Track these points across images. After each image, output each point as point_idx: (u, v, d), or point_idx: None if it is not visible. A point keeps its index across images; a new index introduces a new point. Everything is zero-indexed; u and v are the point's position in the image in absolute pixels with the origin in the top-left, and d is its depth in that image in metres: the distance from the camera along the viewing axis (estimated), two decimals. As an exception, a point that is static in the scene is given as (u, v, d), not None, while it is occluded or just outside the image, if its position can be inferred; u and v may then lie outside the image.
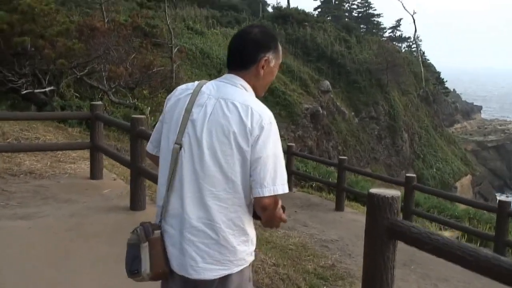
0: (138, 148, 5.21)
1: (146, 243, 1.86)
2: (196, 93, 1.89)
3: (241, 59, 1.91)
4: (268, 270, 4.50)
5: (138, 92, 14.82)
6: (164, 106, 2.00)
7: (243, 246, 1.88)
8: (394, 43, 48.48)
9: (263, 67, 1.91)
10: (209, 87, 1.90)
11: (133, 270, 1.88)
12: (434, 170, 34.69)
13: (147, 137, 5.12)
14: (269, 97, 28.45)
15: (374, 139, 32.16)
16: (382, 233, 2.04)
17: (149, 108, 13.90)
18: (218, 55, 27.46)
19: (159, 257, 1.86)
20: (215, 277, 1.84)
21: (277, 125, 1.88)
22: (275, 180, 1.79)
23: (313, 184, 10.81)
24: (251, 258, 1.94)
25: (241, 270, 1.89)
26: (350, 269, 5.51)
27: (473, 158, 44.15)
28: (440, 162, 35.88)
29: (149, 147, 2.10)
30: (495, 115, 71.48)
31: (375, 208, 2.05)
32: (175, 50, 18.50)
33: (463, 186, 36.64)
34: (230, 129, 1.78)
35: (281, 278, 4.41)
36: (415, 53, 46.13)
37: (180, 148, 1.84)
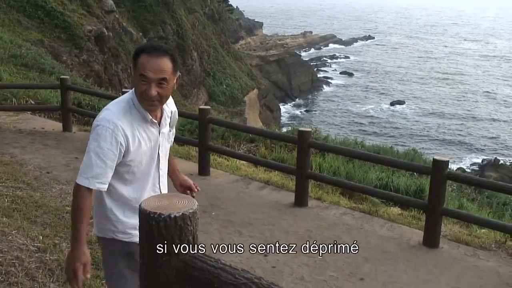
0: None
1: None
2: None
3: None
4: (29, 262, 3.31)
5: None
6: None
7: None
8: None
9: None
10: None
11: None
12: (224, 86, 35.71)
13: None
14: (46, 18, 24.80)
15: (164, 60, 31.19)
16: (169, 284, 1.11)
17: None
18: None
19: None
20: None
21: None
22: (81, 172, 2.03)
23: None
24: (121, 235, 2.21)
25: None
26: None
27: (258, 73, 46.66)
28: (229, 78, 36.98)
29: None
30: (274, 30, 76.14)
31: (154, 240, 1.08)
32: None
33: (251, 99, 38.57)
34: None
35: (50, 268, 3.28)
36: (198, -31, 45.12)
37: None
